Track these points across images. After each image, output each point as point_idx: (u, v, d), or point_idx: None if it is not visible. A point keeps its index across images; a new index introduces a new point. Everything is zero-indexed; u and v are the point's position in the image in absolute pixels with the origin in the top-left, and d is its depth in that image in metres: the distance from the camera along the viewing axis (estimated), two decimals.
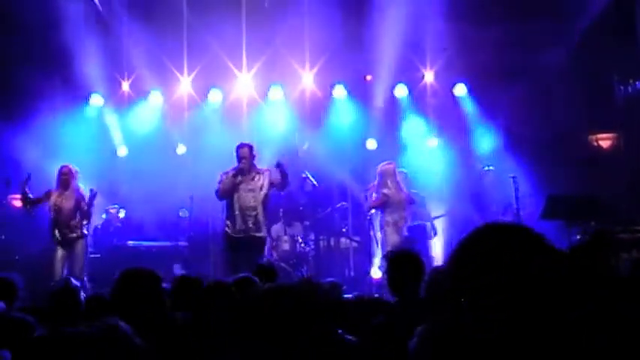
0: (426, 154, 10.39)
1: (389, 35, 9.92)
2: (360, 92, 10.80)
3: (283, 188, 8.01)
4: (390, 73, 10.41)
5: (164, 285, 3.54)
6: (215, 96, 10.87)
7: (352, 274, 9.94)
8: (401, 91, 10.78)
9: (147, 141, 10.63)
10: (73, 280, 4.29)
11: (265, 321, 1.68)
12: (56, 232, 7.88)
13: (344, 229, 10.21)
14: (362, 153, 10.49)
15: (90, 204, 7.96)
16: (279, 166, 7.66)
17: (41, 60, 10.21)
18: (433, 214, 9.43)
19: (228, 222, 7.85)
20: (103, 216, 10.10)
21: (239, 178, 7.77)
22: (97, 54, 10.30)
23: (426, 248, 8.49)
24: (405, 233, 8.29)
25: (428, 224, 8.98)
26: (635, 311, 1.97)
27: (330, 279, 5.32)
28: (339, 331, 2.61)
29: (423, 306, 3.67)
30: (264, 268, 5.12)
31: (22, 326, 2.78)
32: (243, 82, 10.73)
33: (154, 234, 10.17)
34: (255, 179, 7.82)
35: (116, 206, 10.21)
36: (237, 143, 8.01)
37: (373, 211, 8.65)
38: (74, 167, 8.11)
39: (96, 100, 10.83)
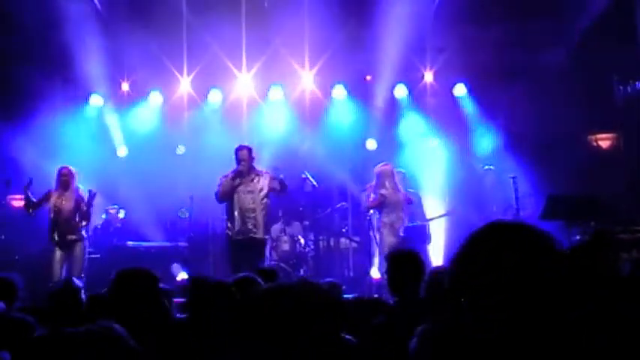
0: (425, 154, 10.39)
1: (389, 35, 9.92)
2: (360, 92, 10.80)
3: (282, 194, 8.14)
4: (390, 73, 10.40)
5: (162, 285, 3.54)
6: (215, 96, 10.87)
7: (352, 274, 9.94)
8: (401, 91, 10.78)
9: (147, 141, 10.63)
10: (76, 280, 4.29)
11: (265, 321, 1.68)
12: (55, 233, 7.88)
13: (344, 230, 10.21)
14: (362, 153, 10.48)
15: (89, 205, 7.95)
16: (279, 180, 7.80)
17: (41, 60, 10.21)
18: (432, 214, 9.43)
19: (228, 224, 7.88)
20: (103, 216, 10.10)
21: (238, 180, 7.79)
22: (97, 54, 10.29)
23: (424, 250, 8.46)
24: (401, 234, 8.27)
25: (427, 224, 8.97)
26: (635, 311, 1.97)
27: (329, 279, 5.32)
28: (340, 331, 2.61)
29: (423, 306, 3.68)
30: (265, 272, 5.12)
31: (22, 326, 2.78)
32: (243, 82, 10.73)
33: (154, 234, 10.18)
34: (255, 181, 7.84)
35: (116, 206, 10.20)
36: (237, 145, 8.04)
37: (372, 211, 8.64)
38: (73, 168, 8.11)
39: (96, 100, 10.83)
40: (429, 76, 10.78)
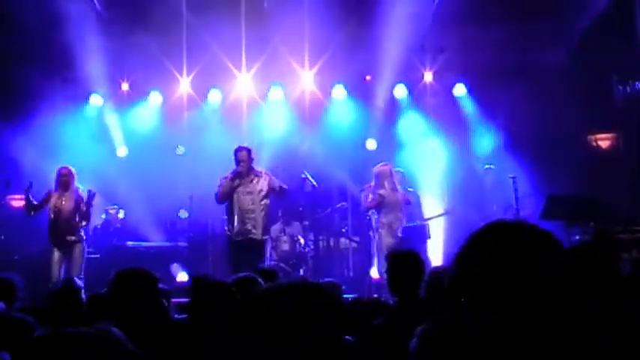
0: (425, 154, 10.39)
1: (389, 35, 9.91)
2: (360, 92, 10.80)
3: (281, 197, 8.23)
4: (390, 73, 10.40)
5: (161, 285, 3.54)
6: (214, 96, 10.87)
7: (351, 274, 9.94)
8: (401, 91, 10.78)
9: (146, 141, 10.62)
10: (76, 280, 4.29)
11: (265, 321, 1.68)
12: (55, 234, 7.88)
13: (343, 230, 10.21)
14: (362, 153, 10.48)
15: (89, 205, 7.95)
16: (279, 186, 7.87)
17: (41, 60, 10.21)
18: (431, 213, 9.42)
19: (228, 225, 7.89)
20: (103, 216, 10.10)
21: (237, 181, 7.79)
22: (97, 54, 10.29)
23: (423, 250, 8.45)
24: (399, 235, 8.26)
25: (426, 224, 8.96)
26: (635, 311, 1.97)
27: (329, 279, 5.33)
28: (340, 331, 2.61)
29: (423, 306, 3.68)
30: (265, 272, 5.11)
31: (22, 326, 2.78)
32: (243, 82, 10.72)
33: (154, 234, 10.18)
34: (254, 182, 7.85)
35: (115, 206, 10.20)
36: (236, 145, 8.04)
37: (371, 212, 8.64)
38: (73, 168, 8.11)
39: (96, 100, 10.83)
40: (428, 76, 10.78)
